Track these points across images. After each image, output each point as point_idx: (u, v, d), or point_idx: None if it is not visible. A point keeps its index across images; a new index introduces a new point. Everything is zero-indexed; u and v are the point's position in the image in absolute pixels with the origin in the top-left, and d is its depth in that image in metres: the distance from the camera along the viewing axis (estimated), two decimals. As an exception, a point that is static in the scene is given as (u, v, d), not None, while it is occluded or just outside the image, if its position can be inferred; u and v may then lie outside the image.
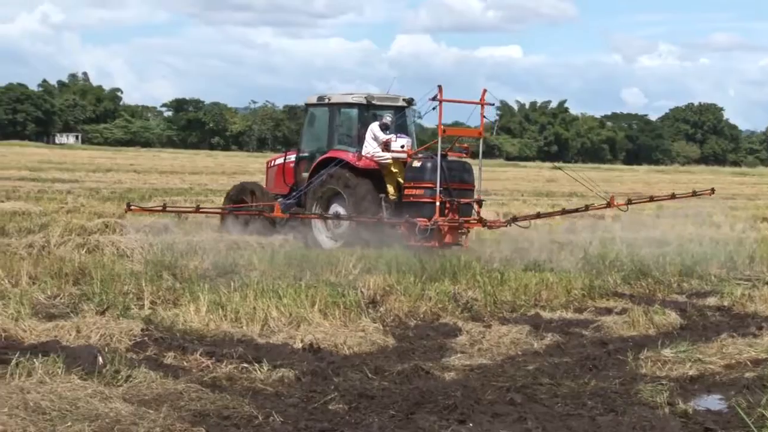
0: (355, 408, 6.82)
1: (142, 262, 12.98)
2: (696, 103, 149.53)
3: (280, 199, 17.97)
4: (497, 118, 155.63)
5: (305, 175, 18.40)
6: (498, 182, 51.23)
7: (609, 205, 17.45)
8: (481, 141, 17.72)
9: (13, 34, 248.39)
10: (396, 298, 10.89)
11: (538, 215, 18.78)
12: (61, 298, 10.27)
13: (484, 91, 17.46)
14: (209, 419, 6.33)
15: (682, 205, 23.12)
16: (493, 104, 18.27)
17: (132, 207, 16.02)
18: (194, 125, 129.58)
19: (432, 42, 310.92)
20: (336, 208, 17.77)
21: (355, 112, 18.41)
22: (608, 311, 11.26)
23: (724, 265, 15.22)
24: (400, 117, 18.16)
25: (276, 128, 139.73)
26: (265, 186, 19.70)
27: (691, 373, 8.18)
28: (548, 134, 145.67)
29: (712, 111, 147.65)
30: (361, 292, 11.08)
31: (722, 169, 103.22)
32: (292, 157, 19.25)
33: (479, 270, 12.73)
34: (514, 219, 18.17)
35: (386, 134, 17.52)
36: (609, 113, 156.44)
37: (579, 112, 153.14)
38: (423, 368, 7.96)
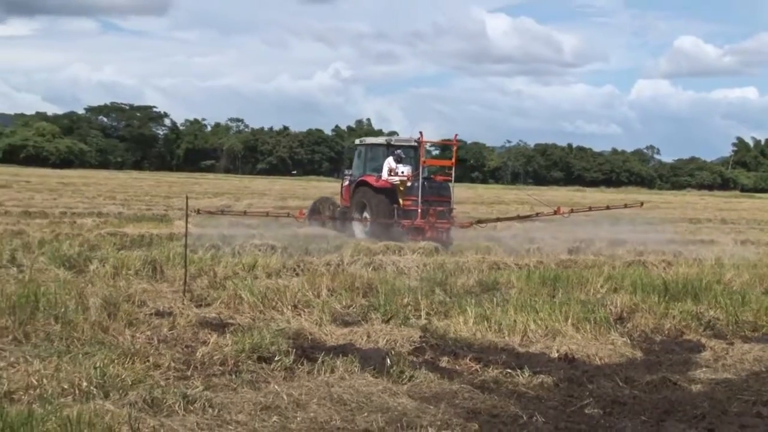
0: (608, 413, 6.61)
1: (418, 279, 13.21)
2: None
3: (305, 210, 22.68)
4: (731, 153, 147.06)
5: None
6: (734, 212, 48.11)
7: (555, 212, 19.33)
8: (453, 168, 21.52)
9: (312, 88, 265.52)
10: (641, 316, 10.46)
11: (498, 219, 23.44)
12: (353, 308, 10.55)
13: (455, 135, 22.53)
14: (481, 417, 6.33)
15: None
16: (463, 143, 21.16)
17: (200, 211, 18.76)
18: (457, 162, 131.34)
19: (670, 86, 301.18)
20: (366, 213, 21.34)
21: (380, 149, 22.34)
22: None
23: None
24: (415, 152, 21.56)
25: (527, 164, 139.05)
26: (340, 200, 23.61)
27: None
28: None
29: None
30: (610, 309, 10.74)
31: None
32: (347, 181, 23.28)
33: (720, 291, 12.00)
34: (479, 221, 21.80)
35: (398, 164, 21.28)
36: None
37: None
38: (670, 380, 7.57)
